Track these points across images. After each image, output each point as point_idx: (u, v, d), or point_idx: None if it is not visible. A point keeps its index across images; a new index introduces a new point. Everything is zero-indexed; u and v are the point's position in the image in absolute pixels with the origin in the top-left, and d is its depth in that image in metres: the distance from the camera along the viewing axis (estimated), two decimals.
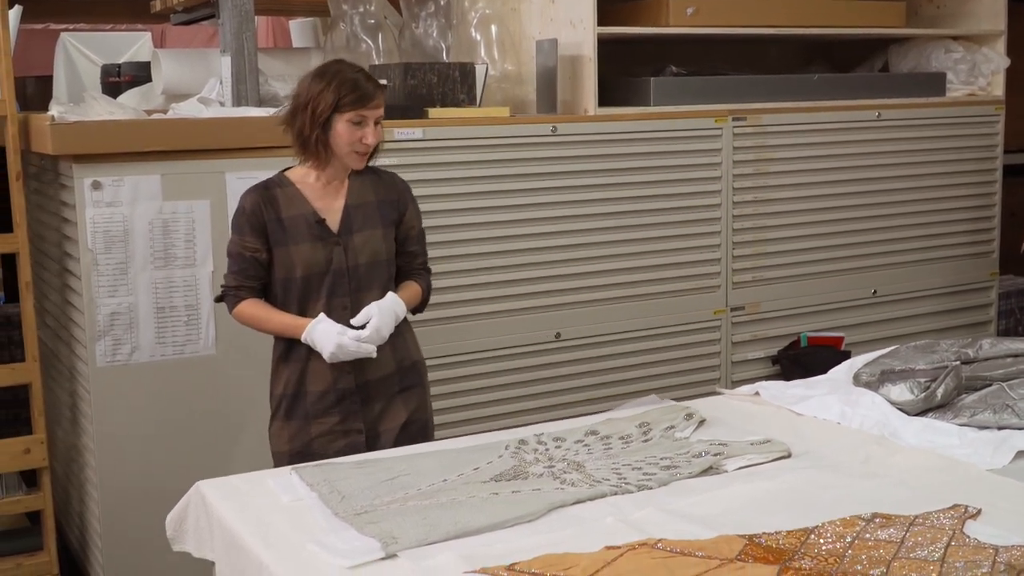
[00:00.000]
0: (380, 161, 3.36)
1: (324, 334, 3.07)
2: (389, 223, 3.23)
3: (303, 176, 3.18)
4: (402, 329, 3.23)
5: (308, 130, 3.06)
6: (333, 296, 3.14)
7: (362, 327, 3.10)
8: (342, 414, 3.17)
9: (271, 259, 3.14)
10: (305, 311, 3.14)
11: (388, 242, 3.22)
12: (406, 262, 3.30)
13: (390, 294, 3.18)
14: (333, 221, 3.16)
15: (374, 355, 3.11)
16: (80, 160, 3.54)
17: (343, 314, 3.13)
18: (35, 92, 5.49)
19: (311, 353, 3.14)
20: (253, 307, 3.16)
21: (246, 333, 3.47)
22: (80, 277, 3.61)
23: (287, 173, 3.21)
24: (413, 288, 3.29)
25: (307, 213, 3.14)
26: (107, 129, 3.56)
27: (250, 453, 3.73)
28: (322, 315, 3.10)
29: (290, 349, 3.18)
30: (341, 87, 3.04)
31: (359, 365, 3.16)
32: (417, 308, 3.32)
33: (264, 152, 3.74)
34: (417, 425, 3.27)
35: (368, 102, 3.07)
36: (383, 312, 3.13)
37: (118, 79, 4.47)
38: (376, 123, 3.11)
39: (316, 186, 3.17)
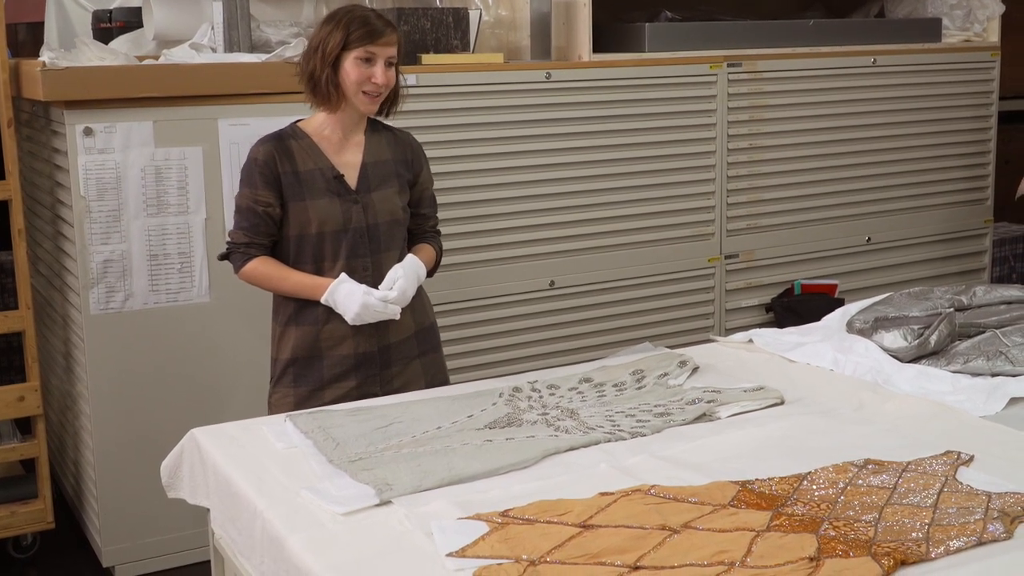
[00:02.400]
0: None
1: (348, 294, 2.97)
2: (404, 183, 3.16)
3: (318, 128, 3.09)
4: (419, 291, 3.16)
5: (319, 71, 2.98)
6: (353, 257, 3.04)
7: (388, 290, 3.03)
8: (360, 379, 3.07)
9: (284, 215, 3.04)
10: (320, 271, 3.04)
11: (403, 202, 3.15)
12: (418, 224, 3.23)
13: (411, 256, 3.11)
14: (351, 177, 3.07)
15: (398, 317, 3.04)
16: (72, 106, 3.52)
17: (364, 275, 3.04)
18: (26, 38, 5.45)
19: (329, 315, 3.03)
20: (265, 265, 3.04)
21: (239, 282, 3.47)
22: (73, 224, 3.59)
23: (300, 125, 3.11)
24: (428, 251, 3.21)
25: (324, 167, 3.05)
26: (99, 75, 3.53)
27: (244, 400, 3.74)
28: (344, 275, 3.00)
29: (302, 311, 3.06)
30: (350, 24, 2.97)
31: (381, 328, 3.08)
32: (431, 272, 3.23)
33: (256, 98, 3.72)
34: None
35: (376, 38, 2.97)
36: (408, 274, 3.05)
37: (109, 25, 4.42)
38: (389, 64, 3.01)
39: (332, 139, 3.08)
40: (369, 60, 2.99)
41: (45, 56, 3.56)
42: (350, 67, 2.98)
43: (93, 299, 3.60)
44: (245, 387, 3.79)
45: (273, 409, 3.11)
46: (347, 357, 3.07)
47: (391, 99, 3.14)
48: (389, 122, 3.21)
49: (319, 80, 3.00)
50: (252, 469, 2.43)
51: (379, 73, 2.99)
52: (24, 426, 3.95)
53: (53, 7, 4.73)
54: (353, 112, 3.07)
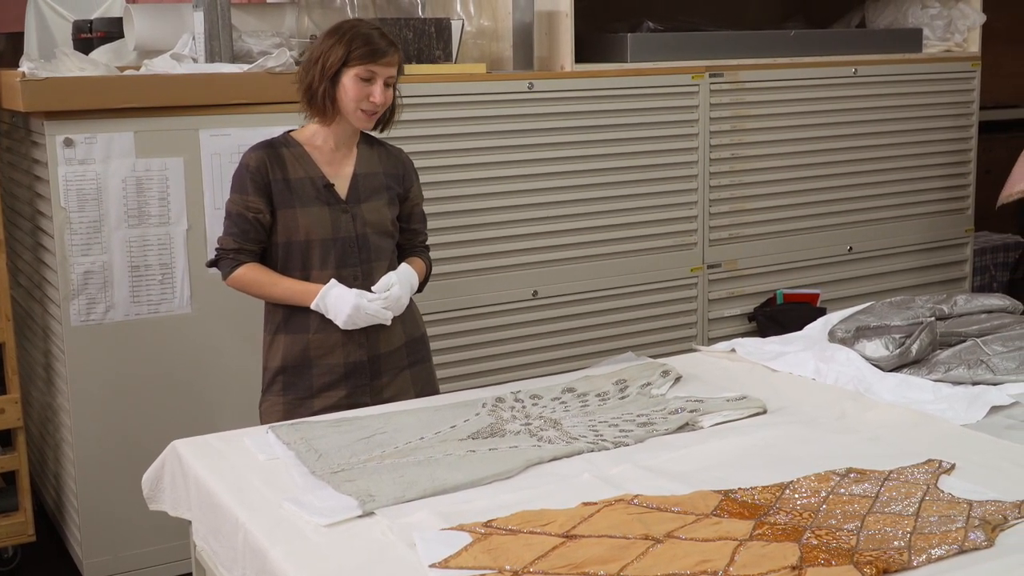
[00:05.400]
0: None
1: (340, 299, 2.98)
2: (394, 196, 3.16)
3: (310, 138, 3.10)
4: (409, 302, 3.16)
5: (317, 83, 2.99)
6: (343, 266, 3.05)
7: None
8: (349, 388, 3.08)
9: (273, 222, 3.04)
10: (308, 279, 3.04)
11: (393, 215, 3.16)
12: (408, 239, 3.24)
13: (405, 264, 3.12)
14: (342, 187, 3.08)
15: (389, 322, 3.05)
16: (52, 117, 3.50)
17: (354, 284, 3.04)
18: (6, 48, 5.43)
19: (320, 323, 3.03)
20: (255, 272, 3.04)
21: (221, 292, 3.46)
22: (53, 236, 3.58)
23: (293, 134, 3.12)
24: (419, 264, 3.22)
25: (315, 176, 3.06)
26: (79, 85, 3.52)
27: (226, 412, 3.73)
28: (334, 280, 3.00)
29: (291, 319, 3.06)
30: (353, 40, 2.97)
31: (371, 338, 3.08)
32: (420, 285, 3.23)
33: (238, 109, 3.71)
34: None
35: (378, 57, 2.98)
36: (401, 281, 3.06)
37: (90, 35, 4.41)
38: (387, 84, 3.02)
39: (324, 149, 3.09)
40: (369, 79, 2.99)
41: (25, 66, 3.54)
42: (349, 83, 2.98)
43: (74, 311, 3.59)
44: (227, 398, 3.78)
45: (263, 417, 3.12)
46: (337, 366, 3.07)
47: (387, 115, 3.15)
48: (381, 136, 3.22)
49: (316, 92, 3.01)
50: (234, 481, 2.42)
51: (378, 92, 3.00)
52: (4, 438, 3.93)
53: (33, 17, 4.72)
54: (347, 126, 3.08)
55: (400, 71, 3.09)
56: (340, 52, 2.97)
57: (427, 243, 3.33)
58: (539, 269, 4.30)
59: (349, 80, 2.98)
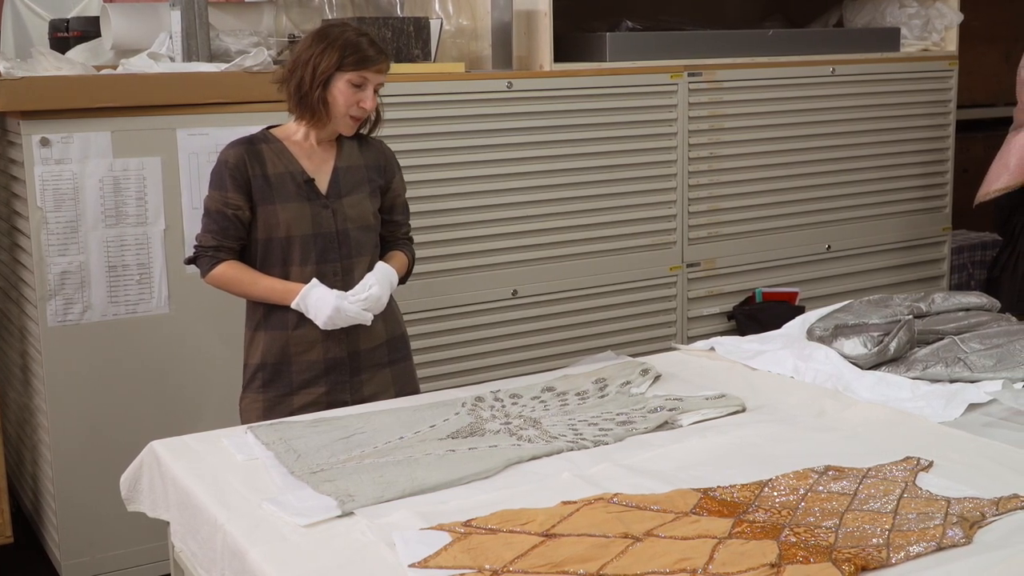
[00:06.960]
0: None
1: (320, 299, 2.97)
2: (376, 189, 3.16)
3: (289, 134, 3.09)
4: (390, 299, 3.15)
5: (308, 87, 2.99)
6: (324, 262, 3.04)
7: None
8: (329, 385, 3.07)
9: (253, 218, 3.03)
10: (288, 275, 3.04)
11: (375, 208, 3.15)
12: (390, 231, 3.24)
13: (382, 263, 3.11)
14: (322, 182, 3.07)
15: (370, 323, 3.05)
16: (28, 117, 3.49)
17: (334, 280, 3.04)
18: None
19: (299, 320, 3.03)
20: (235, 270, 3.03)
21: (199, 292, 3.45)
22: (29, 236, 3.56)
23: (272, 130, 3.12)
24: (401, 258, 3.22)
25: (295, 171, 3.05)
26: (55, 85, 3.50)
27: (204, 412, 3.72)
28: (315, 280, 3.00)
29: (271, 316, 3.05)
30: (346, 47, 2.98)
31: (351, 335, 3.08)
32: (403, 279, 3.24)
33: (215, 108, 3.70)
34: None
35: (371, 64, 3.00)
36: (381, 281, 3.05)
37: (66, 34, 4.40)
38: (376, 90, 3.05)
39: (304, 145, 3.09)
40: (360, 86, 3.01)
41: (0, 66, 3.53)
42: (342, 88, 3.00)
43: (51, 311, 3.57)
44: (205, 398, 3.76)
45: (243, 414, 3.12)
46: (316, 363, 3.06)
47: (371, 120, 3.17)
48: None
49: (308, 96, 3.01)
50: (212, 481, 2.41)
51: (368, 99, 3.03)
52: None
53: (9, 16, 4.71)
54: (332, 129, 3.09)
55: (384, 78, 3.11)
56: (334, 58, 2.98)
57: (410, 235, 3.32)
58: (519, 268, 4.30)
59: (342, 84, 3.00)
